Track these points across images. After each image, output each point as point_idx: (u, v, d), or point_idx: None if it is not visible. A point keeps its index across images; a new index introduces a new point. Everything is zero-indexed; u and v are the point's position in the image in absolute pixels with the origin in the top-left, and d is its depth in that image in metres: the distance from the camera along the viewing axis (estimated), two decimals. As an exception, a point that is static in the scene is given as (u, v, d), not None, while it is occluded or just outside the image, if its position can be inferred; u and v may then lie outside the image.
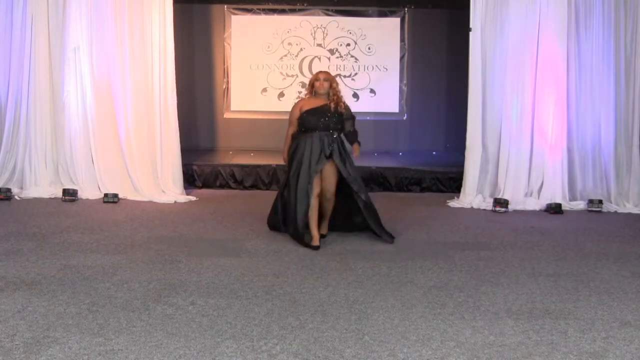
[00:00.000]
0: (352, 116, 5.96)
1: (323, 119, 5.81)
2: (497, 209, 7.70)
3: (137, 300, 4.27)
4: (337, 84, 5.97)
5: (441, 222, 7.17)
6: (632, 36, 8.00)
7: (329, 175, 5.84)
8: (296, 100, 6.29)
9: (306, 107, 5.86)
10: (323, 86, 5.89)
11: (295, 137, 5.94)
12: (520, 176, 8.00)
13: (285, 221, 6.11)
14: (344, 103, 5.93)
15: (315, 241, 5.76)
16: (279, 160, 9.20)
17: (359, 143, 5.99)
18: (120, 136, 8.06)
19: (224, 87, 11.26)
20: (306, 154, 5.79)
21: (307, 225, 5.81)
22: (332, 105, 5.84)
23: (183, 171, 8.32)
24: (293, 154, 5.91)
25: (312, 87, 5.97)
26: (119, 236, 6.09)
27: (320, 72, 6.05)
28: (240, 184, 8.98)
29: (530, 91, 7.96)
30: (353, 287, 4.64)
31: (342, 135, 5.90)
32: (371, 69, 11.27)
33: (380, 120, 11.05)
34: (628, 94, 8.05)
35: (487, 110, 8.06)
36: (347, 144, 5.95)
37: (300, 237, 5.81)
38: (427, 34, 11.26)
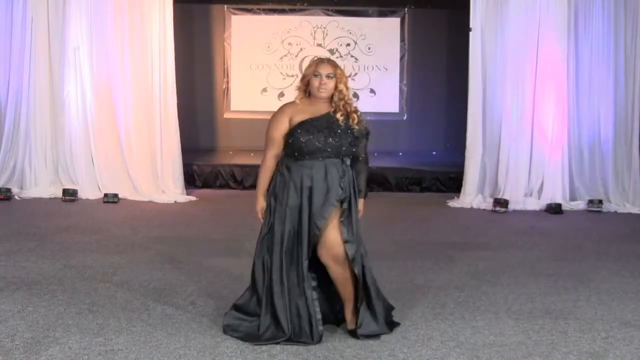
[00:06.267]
0: (367, 132, 3.78)
1: (332, 139, 3.59)
2: (497, 209, 7.69)
3: (137, 300, 4.27)
4: (346, 80, 3.67)
5: (441, 222, 7.17)
6: (632, 36, 8.00)
7: (334, 225, 3.62)
8: (280, 105, 3.82)
9: (299, 117, 3.63)
10: (326, 87, 3.62)
11: (280, 167, 3.69)
12: (520, 176, 8.00)
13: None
14: (358, 114, 3.69)
15: (351, 324, 3.76)
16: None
17: (365, 194, 3.86)
18: (120, 136, 8.06)
19: (224, 87, 11.26)
20: (292, 197, 3.60)
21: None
22: (340, 116, 3.63)
23: (183, 171, 8.32)
24: (271, 198, 3.68)
25: (307, 86, 3.70)
26: (119, 236, 6.09)
27: (322, 61, 3.68)
28: (240, 184, 8.97)
29: (530, 91, 7.95)
30: (353, 287, 4.64)
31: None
32: (371, 69, 11.27)
33: (380, 120, 11.02)
34: (627, 93, 8.05)
35: (487, 110, 8.06)
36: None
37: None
38: (427, 34, 11.25)
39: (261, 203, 3.70)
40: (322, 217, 3.57)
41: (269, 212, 3.67)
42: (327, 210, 3.57)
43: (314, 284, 3.67)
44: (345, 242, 3.60)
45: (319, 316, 3.64)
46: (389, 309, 3.92)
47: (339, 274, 3.65)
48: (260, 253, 3.71)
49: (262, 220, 3.71)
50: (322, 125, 3.60)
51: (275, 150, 3.68)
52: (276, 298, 3.62)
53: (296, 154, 3.60)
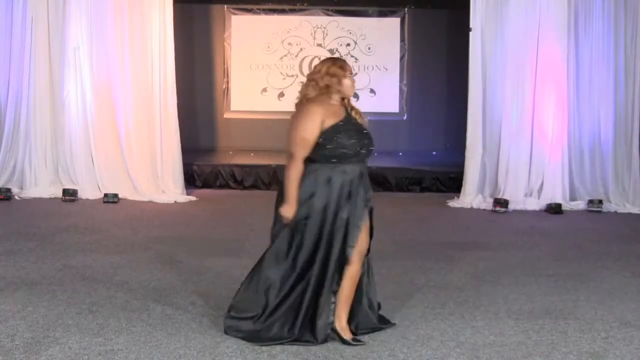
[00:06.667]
0: None
1: (366, 140, 3.61)
2: (497, 209, 7.69)
3: (137, 300, 4.27)
4: None
5: (441, 222, 7.17)
6: (632, 36, 8.01)
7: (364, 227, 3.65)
8: (295, 101, 3.73)
9: (330, 120, 3.54)
10: (353, 88, 3.68)
11: (312, 174, 3.54)
12: (520, 176, 8.00)
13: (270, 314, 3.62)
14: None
15: (348, 333, 3.66)
16: (279, 160, 9.24)
17: None
18: (120, 136, 8.06)
19: (224, 87, 11.26)
20: (334, 204, 3.51)
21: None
22: (355, 114, 3.67)
23: (183, 171, 8.32)
24: (305, 207, 3.54)
25: (332, 81, 3.60)
26: (119, 236, 6.09)
27: (345, 62, 3.69)
28: (240, 184, 8.97)
29: (530, 91, 7.96)
30: (353, 287, 4.63)
31: None
32: (371, 69, 11.26)
33: (380, 120, 11.02)
34: (627, 93, 8.05)
35: (487, 110, 8.06)
36: None
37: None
38: (427, 34, 11.25)
39: (295, 208, 3.51)
40: (361, 220, 3.56)
41: (301, 219, 3.52)
42: (364, 212, 3.58)
43: (336, 288, 3.57)
44: (372, 238, 3.66)
45: (332, 319, 3.59)
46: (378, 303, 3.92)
47: (357, 270, 3.61)
48: (277, 257, 3.60)
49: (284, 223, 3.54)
50: (354, 127, 3.58)
51: (306, 153, 3.50)
52: (292, 300, 3.57)
53: (334, 159, 3.51)
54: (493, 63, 8.00)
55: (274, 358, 3.44)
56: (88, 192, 7.94)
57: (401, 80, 11.33)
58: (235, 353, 3.48)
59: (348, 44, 11.23)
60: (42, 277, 4.73)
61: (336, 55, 11.00)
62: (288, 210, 3.52)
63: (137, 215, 7.06)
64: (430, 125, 11.34)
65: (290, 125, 3.59)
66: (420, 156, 10.49)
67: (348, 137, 3.51)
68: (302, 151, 3.51)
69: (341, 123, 3.54)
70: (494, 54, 7.98)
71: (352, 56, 11.22)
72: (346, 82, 3.59)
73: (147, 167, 8.11)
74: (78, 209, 7.36)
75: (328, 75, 3.59)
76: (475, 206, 7.93)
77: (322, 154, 3.51)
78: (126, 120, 8.06)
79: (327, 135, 3.50)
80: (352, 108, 3.67)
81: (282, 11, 11.23)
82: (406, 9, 11.28)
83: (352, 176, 3.54)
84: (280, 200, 3.60)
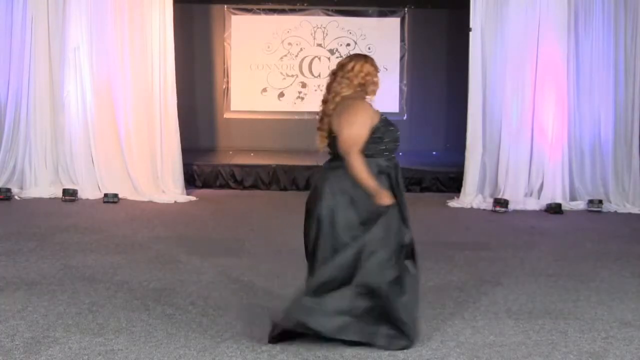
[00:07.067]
0: None
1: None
2: (497, 209, 7.69)
3: (137, 300, 4.27)
4: None
5: (441, 222, 7.17)
6: (632, 36, 8.01)
7: None
8: (357, 104, 3.61)
9: (377, 116, 3.61)
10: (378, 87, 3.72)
11: (376, 168, 3.62)
12: (520, 176, 8.00)
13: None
14: None
15: None
16: (278, 160, 9.25)
17: None
18: (120, 136, 8.06)
19: (224, 87, 11.25)
20: (395, 192, 3.64)
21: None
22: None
23: (183, 171, 8.32)
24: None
25: (366, 80, 3.62)
26: (119, 236, 6.09)
27: (374, 61, 3.70)
28: (240, 184, 8.97)
29: (530, 91, 7.96)
30: (353, 287, 4.63)
31: None
32: (371, 69, 11.26)
33: (380, 120, 11.01)
34: (627, 93, 8.05)
35: (487, 110, 8.06)
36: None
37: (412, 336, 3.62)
38: (427, 34, 11.25)
39: (386, 193, 3.53)
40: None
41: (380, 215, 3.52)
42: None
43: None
44: None
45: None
46: None
47: None
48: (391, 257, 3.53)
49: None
50: (394, 126, 3.67)
51: (361, 147, 3.53)
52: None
53: (387, 152, 3.64)
54: (493, 63, 8.00)
55: (274, 358, 3.44)
56: (88, 192, 7.94)
57: (401, 80, 11.33)
58: (235, 353, 3.49)
59: (348, 44, 11.23)
60: (42, 277, 4.73)
61: (336, 55, 11.01)
62: (385, 199, 3.52)
63: (137, 215, 7.06)
64: (430, 125, 11.34)
65: (340, 121, 3.54)
66: (420, 156, 10.48)
67: (397, 130, 3.67)
68: (359, 146, 3.52)
69: (384, 117, 3.62)
70: (494, 54, 7.98)
71: (352, 56, 11.21)
72: (376, 81, 3.65)
73: (147, 167, 8.11)
74: (78, 209, 7.36)
75: (362, 73, 3.62)
76: (475, 206, 7.93)
77: (380, 148, 3.60)
78: (126, 120, 8.06)
79: (382, 130, 3.58)
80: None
81: (282, 11, 11.23)
82: (406, 9, 11.27)
83: (397, 168, 3.71)
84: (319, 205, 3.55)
